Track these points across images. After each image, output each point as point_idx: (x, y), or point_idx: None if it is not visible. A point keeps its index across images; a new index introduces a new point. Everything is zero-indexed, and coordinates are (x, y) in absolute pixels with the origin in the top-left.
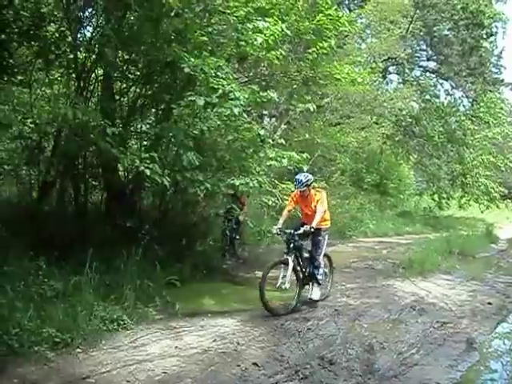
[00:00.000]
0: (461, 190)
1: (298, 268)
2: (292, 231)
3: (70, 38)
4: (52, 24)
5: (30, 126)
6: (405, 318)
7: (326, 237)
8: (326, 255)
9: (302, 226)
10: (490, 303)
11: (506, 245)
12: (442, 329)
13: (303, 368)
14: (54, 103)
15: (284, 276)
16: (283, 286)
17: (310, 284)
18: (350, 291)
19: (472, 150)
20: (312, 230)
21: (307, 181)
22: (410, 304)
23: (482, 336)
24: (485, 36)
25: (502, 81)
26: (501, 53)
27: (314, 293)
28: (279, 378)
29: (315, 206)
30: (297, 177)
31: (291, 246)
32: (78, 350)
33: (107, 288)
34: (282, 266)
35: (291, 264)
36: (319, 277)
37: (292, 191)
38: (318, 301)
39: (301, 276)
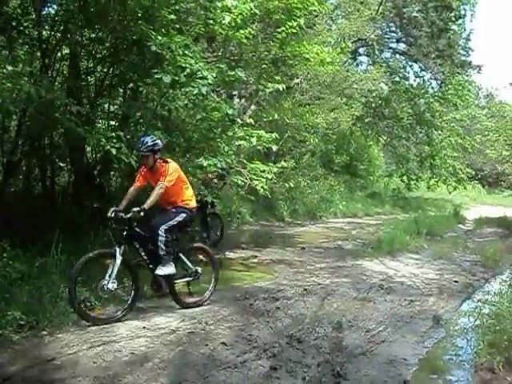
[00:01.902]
0: (429, 172)
1: (134, 263)
2: (121, 215)
3: (33, 15)
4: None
5: None
6: (373, 296)
7: (183, 216)
8: (201, 248)
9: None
10: (456, 281)
11: (472, 225)
12: (409, 306)
13: (271, 347)
14: (17, 81)
15: (110, 273)
16: (106, 287)
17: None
18: (319, 271)
19: (440, 132)
20: (141, 213)
21: (154, 145)
22: (379, 283)
23: (448, 313)
24: (453, 18)
25: (470, 63)
26: (469, 35)
27: (164, 268)
28: (247, 357)
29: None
30: (142, 138)
31: (124, 234)
32: (44, 332)
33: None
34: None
35: (119, 258)
36: (162, 252)
37: (262, 171)
38: (167, 276)
39: (138, 276)
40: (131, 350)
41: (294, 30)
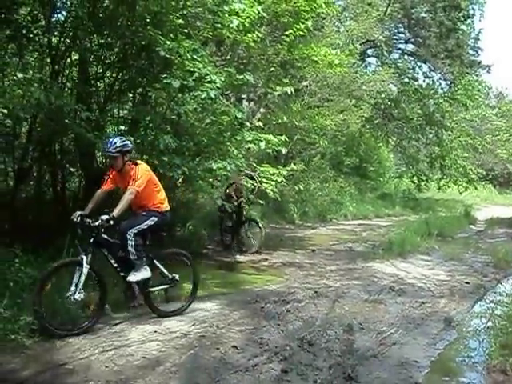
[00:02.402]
0: (439, 172)
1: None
2: (88, 221)
3: (43, 22)
4: (24, 7)
5: (3, 111)
6: (384, 298)
7: (154, 219)
8: (179, 253)
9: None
10: (467, 283)
11: (483, 225)
12: (420, 308)
13: (282, 350)
14: (27, 88)
15: (77, 283)
16: (73, 298)
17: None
18: (329, 273)
19: (450, 132)
20: (111, 222)
21: (123, 146)
22: (390, 285)
23: (460, 315)
24: (462, 18)
25: (480, 63)
26: (478, 35)
27: (137, 274)
28: (258, 361)
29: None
30: (110, 139)
31: (91, 240)
32: (56, 337)
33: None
34: (77, 267)
35: (86, 267)
36: (133, 257)
37: (272, 174)
38: (142, 282)
39: (105, 285)
40: (143, 354)
41: (301, 33)
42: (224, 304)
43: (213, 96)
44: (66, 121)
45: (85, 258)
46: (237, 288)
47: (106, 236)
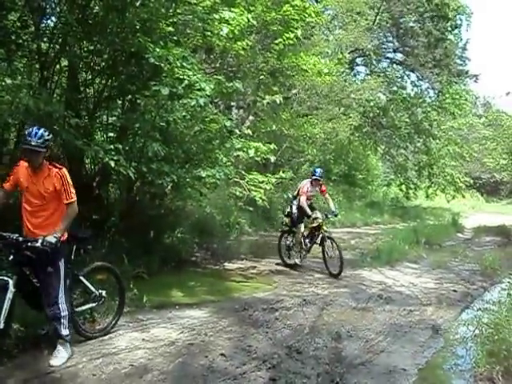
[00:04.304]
0: (427, 181)
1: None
2: (14, 237)
3: (32, 28)
4: (13, 13)
5: None
6: (372, 306)
7: (63, 265)
8: (105, 268)
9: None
10: (455, 290)
11: (471, 234)
12: (408, 316)
13: (271, 358)
14: (16, 94)
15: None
16: None
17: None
18: (318, 281)
19: (438, 141)
20: (58, 245)
21: (49, 139)
22: (378, 293)
23: (447, 323)
24: (449, 28)
25: (467, 72)
26: (465, 45)
27: (59, 353)
28: (247, 369)
29: (50, 193)
30: (34, 129)
31: (11, 258)
32: (43, 344)
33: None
34: None
35: (12, 291)
36: (63, 331)
37: (261, 182)
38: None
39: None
40: (130, 362)
41: (291, 41)
42: (212, 311)
43: (202, 104)
44: (55, 127)
45: (11, 280)
46: (225, 295)
47: (28, 252)
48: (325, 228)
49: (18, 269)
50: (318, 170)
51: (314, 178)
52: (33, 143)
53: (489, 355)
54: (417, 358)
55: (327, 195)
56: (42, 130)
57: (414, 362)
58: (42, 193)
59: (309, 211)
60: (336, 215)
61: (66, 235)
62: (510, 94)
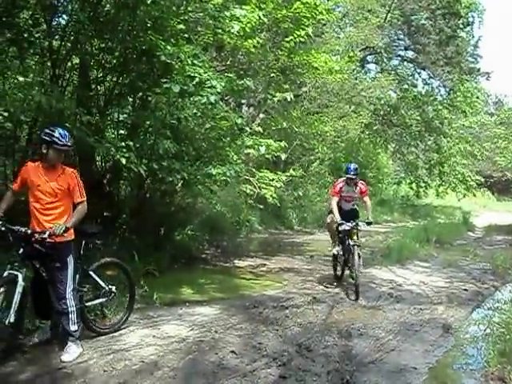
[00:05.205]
0: (438, 179)
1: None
2: (23, 230)
3: (44, 26)
4: (25, 11)
5: (4, 114)
6: (382, 304)
7: (72, 261)
8: (115, 263)
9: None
10: (465, 289)
11: (482, 232)
12: (418, 315)
13: (281, 355)
14: (28, 91)
15: (9, 306)
16: (6, 321)
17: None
18: (327, 279)
19: (449, 139)
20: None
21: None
22: (388, 291)
23: (458, 322)
24: (461, 26)
25: (479, 70)
26: (477, 42)
27: (70, 348)
28: (257, 366)
29: (63, 191)
30: (57, 129)
31: (21, 251)
32: (54, 340)
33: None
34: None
35: (21, 284)
36: (71, 327)
37: (271, 179)
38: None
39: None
40: (141, 359)
41: (302, 39)
42: (222, 309)
43: (213, 101)
44: (67, 124)
45: (20, 274)
46: (235, 293)
47: (37, 245)
48: (355, 238)
49: (29, 262)
50: (352, 166)
51: (347, 176)
52: (69, 144)
53: (500, 355)
54: (427, 357)
55: (366, 198)
56: (64, 130)
57: (424, 361)
58: (54, 190)
59: (337, 217)
60: (369, 224)
61: (73, 233)
62: None
